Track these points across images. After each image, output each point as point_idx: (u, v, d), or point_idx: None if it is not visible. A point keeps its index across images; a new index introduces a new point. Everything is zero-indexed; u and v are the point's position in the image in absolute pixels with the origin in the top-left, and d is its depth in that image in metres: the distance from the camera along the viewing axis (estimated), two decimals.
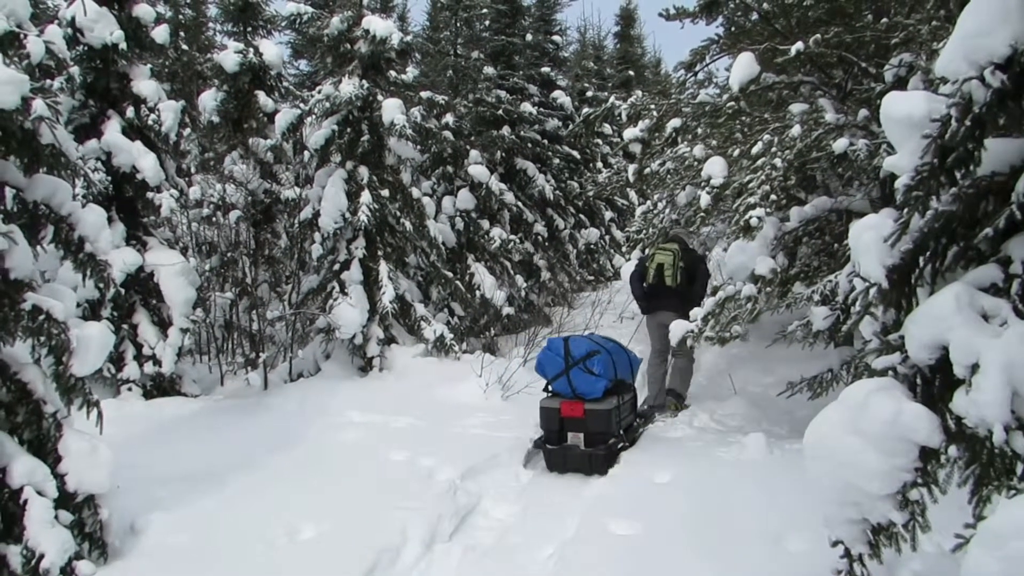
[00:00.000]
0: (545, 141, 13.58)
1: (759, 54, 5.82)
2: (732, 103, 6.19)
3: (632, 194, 15.80)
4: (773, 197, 5.46)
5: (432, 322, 8.78)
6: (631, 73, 22.42)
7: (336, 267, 8.54)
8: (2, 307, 3.61)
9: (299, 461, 5.53)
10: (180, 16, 16.00)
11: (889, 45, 5.64)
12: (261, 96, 9.39)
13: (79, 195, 6.36)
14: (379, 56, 8.50)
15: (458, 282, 9.80)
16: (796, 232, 6.00)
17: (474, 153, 11.69)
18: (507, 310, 10.64)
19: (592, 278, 15.78)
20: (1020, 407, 2.17)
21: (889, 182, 5.30)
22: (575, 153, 14.72)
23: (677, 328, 5.89)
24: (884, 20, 5.89)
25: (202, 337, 10.06)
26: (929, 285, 2.55)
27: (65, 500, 3.80)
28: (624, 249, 11.82)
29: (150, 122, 7.81)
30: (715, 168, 6.08)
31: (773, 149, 5.59)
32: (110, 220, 6.43)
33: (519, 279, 11.85)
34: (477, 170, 11.34)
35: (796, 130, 5.57)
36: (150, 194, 7.85)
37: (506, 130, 12.40)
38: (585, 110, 11.60)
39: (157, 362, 7.63)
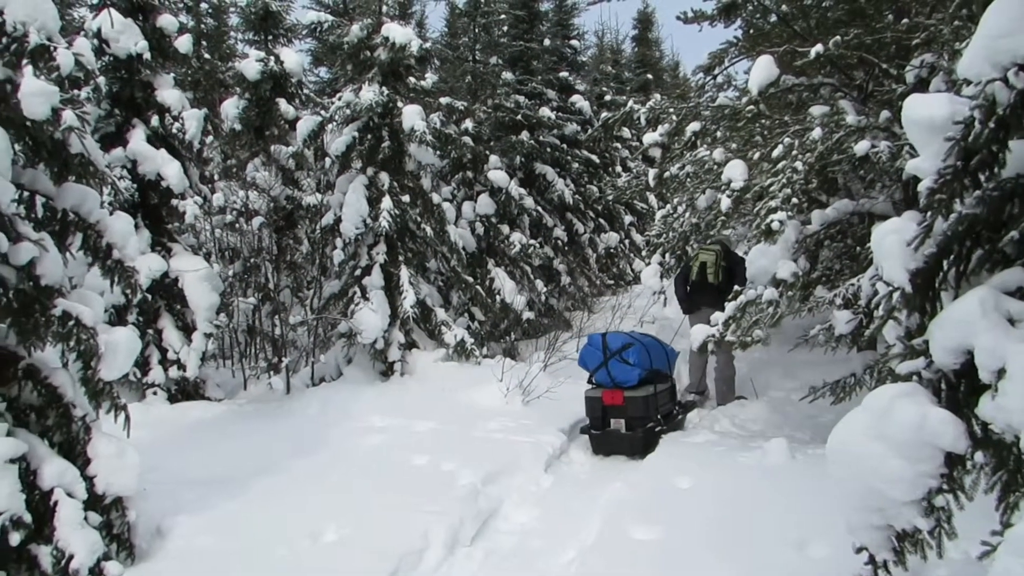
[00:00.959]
0: (564, 145, 13.59)
1: (778, 56, 5.80)
2: (751, 106, 6.17)
3: (652, 198, 15.78)
4: (794, 200, 5.42)
5: (453, 327, 8.81)
6: (649, 77, 22.38)
7: (357, 272, 8.59)
8: (33, 313, 3.68)
9: (321, 465, 5.57)
10: (202, 26, 16.21)
11: (910, 46, 5.59)
12: (282, 103, 9.48)
13: (106, 203, 6.45)
14: (398, 63, 8.55)
15: (478, 287, 9.82)
16: (818, 235, 5.96)
17: (493, 158, 11.72)
18: (527, 315, 10.65)
19: (612, 282, 15.74)
20: None
21: (912, 184, 5.26)
22: (594, 157, 14.71)
23: (698, 332, 5.87)
24: (905, 20, 5.84)
25: (225, 342, 10.15)
26: (953, 289, 2.53)
27: (94, 502, 3.87)
28: (644, 253, 11.80)
29: (174, 130, 7.92)
30: (735, 171, 6.06)
31: (793, 152, 5.56)
32: (136, 227, 6.51)
33: (539, 284, 11.85)
34: (497, 175, 11.37)
35: (817, 133, 5.54)
36: (174, 201, 7.95)
37: (525, 135, 12.43)
38: (604, 114, 11.58)
39: (182, 366, 7.72)
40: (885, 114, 5.54)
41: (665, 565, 3.91)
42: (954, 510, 2.48)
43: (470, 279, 9.71)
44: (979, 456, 2.33)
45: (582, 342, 9.79)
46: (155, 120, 7.90)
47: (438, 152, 9.38)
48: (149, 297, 7.62)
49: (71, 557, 3.56)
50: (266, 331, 10.01)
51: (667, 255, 8.21)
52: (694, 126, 7.15)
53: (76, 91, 4.28)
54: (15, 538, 3.43)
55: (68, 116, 3.85)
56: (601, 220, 15.51)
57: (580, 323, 11.55)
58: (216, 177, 11.05)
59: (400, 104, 8.50)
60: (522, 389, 7.37)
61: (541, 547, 4.40)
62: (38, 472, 3.68)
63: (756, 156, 6.17)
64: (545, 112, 12.92)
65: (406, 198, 8.70)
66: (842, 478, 2.63)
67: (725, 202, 6.07)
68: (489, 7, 13.12)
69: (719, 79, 7.11)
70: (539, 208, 12.52)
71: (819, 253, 6.30)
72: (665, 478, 5.17)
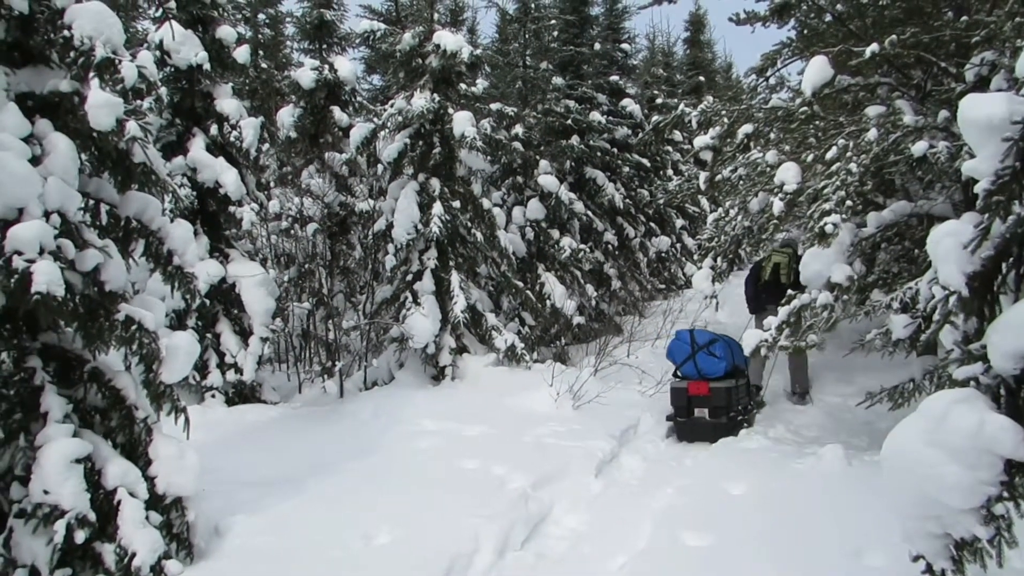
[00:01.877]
0: (614, 150, 13.53)
1: (833, 56, 5.69)
2: (805, 108, 6.08)
3: (703, 201, 15.61)
4: (849, 203, 5.32)
5: (503, 332, 8.85)
6: (701, 79, 22.18)
7: (409, 277, 8.68)
8: (98, 318, 3.82)
9: (374, 467, 5.64)
10: (259, 36, 16.61)
11: (970, 44, 5.43)
12: (336, 111, 9.66)
13: (167, 210, 6.66)
14: (450, 70, 8.64)
15: (528, 292, 9.84)
16: (874, 238, 5.84)
17: (543, 163, 11.73)
18: (577, 319, 10.63)
19: (663, 286, 15.60)
20: None
21: (972, 185, 5.11)
22: (645, 161, 14.61)
23: (750, 337, 5.80)
24: (964, 18, 5.68)
25: (281, 346, 10.36)
26: (1012, 292, 2.47)
27: (155, 502, 3.99)
28: (696, 257, 11.67)
29: (232, 139, 8.14)
30: (788, 174, 5.97)
31: (848, 153, 5.46)
32: (195, 233, 6.71)
33: (589, 288, 11.82)
34: (547, 180, 11.38)
35: (872, 133, 5.43)
36: (232, 208, 8.18)
37: (575, 139, 12.41)
38: (655, 118, 11.52)
39: (239, 370, 7.91)
40: (944, 114, 5.40)
41: (717, 573, 3.87)
42: (1015, 518, 2.42)
43: (520, 284, 9.73)
44: None
45: (633, 347, 9.82)
46: (214, 129, 8.13)
47: (488, 157, 9.44)
48: (207, 302, 7.84)
49: (133, 555, 3.68)
50: (320, 335, 10.19)
51: (719, 259, 8.11)
52: (746, 128, 7.06)
53: (139, 102, 4.44)
54: (80, 536, 3.56)
55: (132, 127, 3.99)
56: (652, 224, 15.38)
57: (631, 328, 11.49)
58: (272, 184, 11.29)
59: (451, 110, 8.58)
60: (572, 394, 7.36)
61: (591, 552, 4.38)
62: (102, 472, 3.81)
63: (810, 158, 6.07)
64: (595, 116, 12.88)
65: (457, 203, 8.77)
66: (898, 485, 2.58)
67: (778, 205, 5.98)
68: (539, 12, 13.16)
69: (772, 80, 7.00)
70: (589, 212, 12.48)
71: (876, 256, 6.18)
72: (717, 484, 5.12)
